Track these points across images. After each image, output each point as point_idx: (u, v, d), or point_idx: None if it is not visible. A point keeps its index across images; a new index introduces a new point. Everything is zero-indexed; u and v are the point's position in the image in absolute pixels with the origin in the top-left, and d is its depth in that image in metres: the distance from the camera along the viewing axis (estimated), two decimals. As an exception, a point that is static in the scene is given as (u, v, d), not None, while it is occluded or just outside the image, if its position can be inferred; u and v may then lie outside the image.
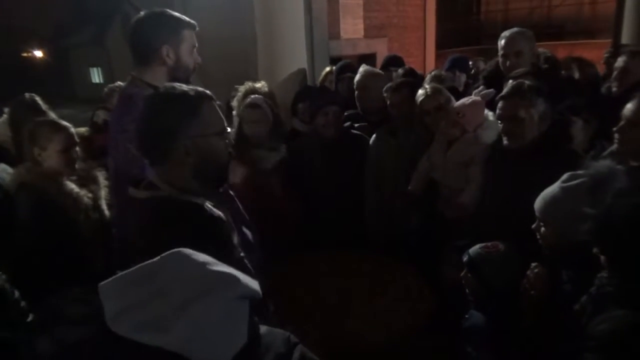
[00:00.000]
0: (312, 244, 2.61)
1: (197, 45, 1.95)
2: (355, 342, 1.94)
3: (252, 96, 2.85)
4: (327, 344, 1.89)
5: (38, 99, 2.94)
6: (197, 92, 1.38)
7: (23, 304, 1.67)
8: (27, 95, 2.96)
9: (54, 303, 1.08)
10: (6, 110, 2.99)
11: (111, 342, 0.82)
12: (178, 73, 1.88)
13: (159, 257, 0.92)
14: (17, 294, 1.61)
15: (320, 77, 4.36)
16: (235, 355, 0.85)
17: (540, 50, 3.07)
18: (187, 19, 1.91)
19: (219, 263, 0.94)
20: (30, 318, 1.65)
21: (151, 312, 0.84)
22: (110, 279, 0.90)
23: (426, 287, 2.24)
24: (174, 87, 1.39)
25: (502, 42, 2.91)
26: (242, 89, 3.11)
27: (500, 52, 2.92)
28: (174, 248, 1.05)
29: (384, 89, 2.89)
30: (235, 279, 0.91)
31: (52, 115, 2.89)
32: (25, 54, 34.67)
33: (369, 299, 2.18)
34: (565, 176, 1.65)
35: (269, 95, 3.05)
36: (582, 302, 1.43)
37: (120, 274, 0.90)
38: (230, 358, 0.84)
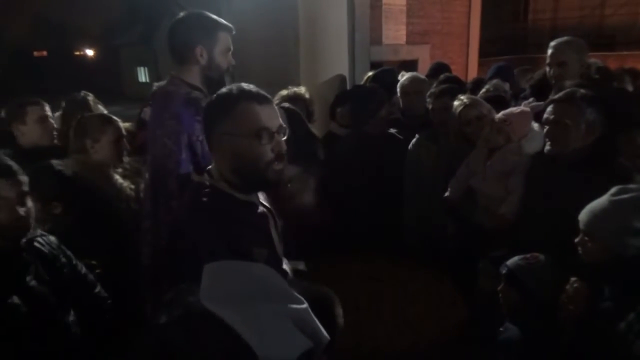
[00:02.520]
0: (346, 246, 2.61)
1: (232, 48, 2.00)
2: (385, 347, 1.93)
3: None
4: (357, 347, 1.90)
5: (90, 97, 3.06)
6: (240, 91, 1.39)
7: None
8: (81, 93, 3.10)
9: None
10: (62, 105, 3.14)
11: (200, 312, 0.91)
12: (210, 73, 1.95)
13: (259, 264, 1.05)
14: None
15: (362, 82, 4.36)
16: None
17: (592, 60, 2.98)
18: (224, 21, 1.96)
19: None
20: None
21: (232, 293, 0.93)
22: (215, 262, 1.00)
23: (459, 297, 2.20)
24: (228, 86, 1.45)
25: (548, 52, 2.88)
26: (283, 93, 3.17)
27: (547, 62, 2.89)
28: (203, 231, 1.23)
29: (427, 94, 2.88)
30: (306, 306, 0.98)
31: (104, 111, 3.02)
32: (77, 53, 36.34)
33: (401, 304, 2.16)
34: (614, 189, 1.60)
35: (308, 102, 3.09)
36: (629, 321, 1.37)
37: (224, 261, 1.01)
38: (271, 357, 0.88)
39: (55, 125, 2.65)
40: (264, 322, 0.90)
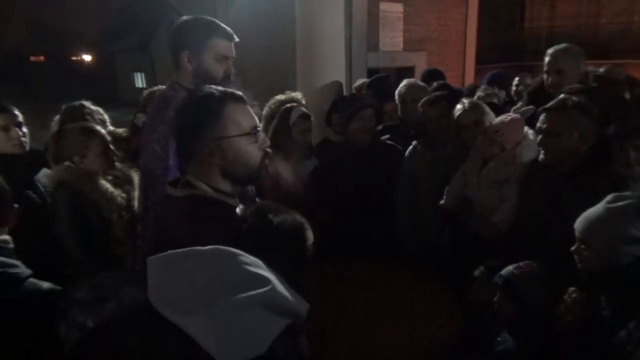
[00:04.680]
0: (341, 254, 2.59)
1: (230, 55, 1.93)
2: (381, 355, 1.90)
3: (297, 106, 2.92)
4: (352, 355, 1.87)
5: (87, 107, 2.98)
6: (222, 93, 1.38)
7: None
8: (78, 102, 3.05)
9: (70, 290, 1.13)
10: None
11: (148, 314, 0.86)
12: (200, 80, 1.86)
13: (208, 247, 0.93)
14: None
15: (354, 88, 4.37)
16: None
17: (590, 68, 2.98)
18: (223, 27, 1.90)
19: (264, 268, 0.95)
20: None
21: (184, 294, 0.86)
22: (159, 254, 0.93)
23: (456, 306, 2.18)
24: (202, 89, 1.42)
25: (546, 59, 2.87)
26: (279, 97, 3.17)
27: (544, 69, 2.88)
28: (204, 245, 1.07)
29: (420, 103, 2.87)
30: (271, 286, 0.90)
31: (105, 116, 2.99)
32: (74, 58, 36.34)
33: (397, 313, 2.14)
34: (610, 197, 1.59)
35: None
36: (629, 329, 1.36)
37: (169, 252, 0.93)
38: None
39: (24, 132, 2.53)
40: (222, 323, 0.83)
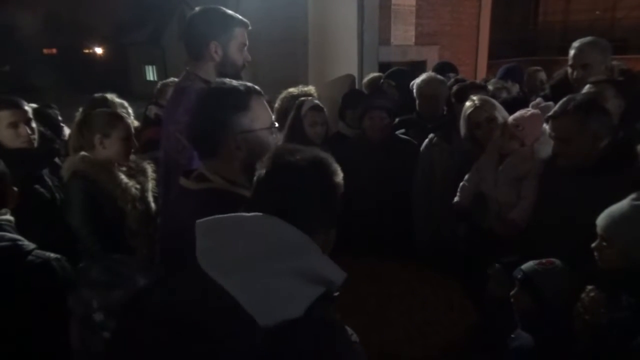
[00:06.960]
0: (354, 249, 2.57)
1: (247, 43, 1.98)
2: (392, 352, 1.89)
3: (309, 98, 2.91)
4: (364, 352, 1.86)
5: (110, 101, 3.00)
6: (247, 87, 1.40)
7: None
8: (100, 96, 3.05)
9: (85, 266, 1.15)
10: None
11: (199, 275, 0.90)
12: (225, 69, 1.91)
13: (252, 213, 0.96)
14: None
15: (363, 84, 4.31)
16: (278, 323, 0.85)
17: (615, 62, 2.91)
18: (239, 17, 1.95)
19: (302, 235, 0.95)
20: None
21: (226, 257, 0.91)
22: (206, 218, 0.97)
23: (469, 302, 2.16)
24: (224, 82, 1.42)
25: (571, 53, 2.81)
26: (292, 91, 3.16)
27: (569, 63, 2.82)
28: None
29: (452, 90, 2.86)
30: (309, 255, 0.93)
31: (129, 109, 3.00)
32: (86, 51, 36.62)
33: (409, 308, 2.12)
34: (636, 194, 1.55)
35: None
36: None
37: (215, 216, 0.97)
38: (272, 323, 0.85)
39: (34, 127, 2.49)
40: (262, 285, 0.87)
